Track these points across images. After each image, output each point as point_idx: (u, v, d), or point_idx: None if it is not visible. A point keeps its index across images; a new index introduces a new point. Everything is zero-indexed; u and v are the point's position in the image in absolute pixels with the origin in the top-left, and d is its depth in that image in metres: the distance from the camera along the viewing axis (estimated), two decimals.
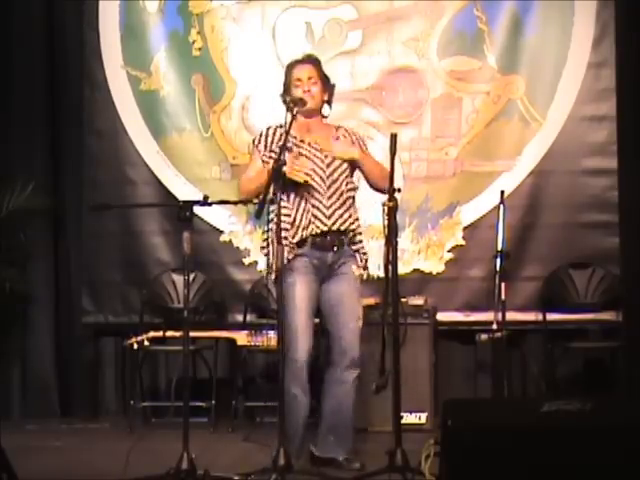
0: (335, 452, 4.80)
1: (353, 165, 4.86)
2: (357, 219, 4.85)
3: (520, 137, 6.56)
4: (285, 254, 4.59)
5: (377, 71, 6.69)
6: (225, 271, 6.73)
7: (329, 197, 4.77)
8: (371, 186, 4.90)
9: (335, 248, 4.77)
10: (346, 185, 4.82)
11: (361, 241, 4.86)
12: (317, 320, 4.92)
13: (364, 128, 6.54)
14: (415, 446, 4.36)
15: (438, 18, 6.64)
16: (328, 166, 4.80)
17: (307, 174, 4.72)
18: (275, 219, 4.57)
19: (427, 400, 5.94)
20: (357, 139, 4.95)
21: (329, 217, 4.75)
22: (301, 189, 4.73)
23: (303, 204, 4.75)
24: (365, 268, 4.84)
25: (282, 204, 4.58)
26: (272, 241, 4.65)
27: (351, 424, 4.83)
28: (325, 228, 4.74)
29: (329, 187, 4.78)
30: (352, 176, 4.88)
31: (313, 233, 4.74)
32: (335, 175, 4.80)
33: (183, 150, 6.80)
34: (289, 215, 4.71)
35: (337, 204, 4.77)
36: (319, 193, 4.76)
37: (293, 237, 4.73)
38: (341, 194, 4.79)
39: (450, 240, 6.58)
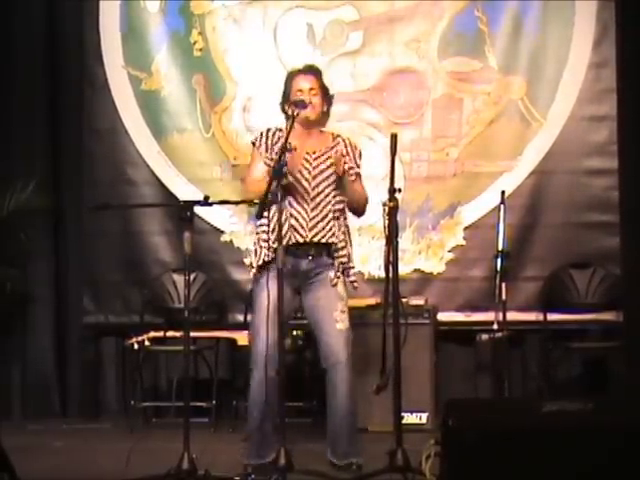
0: (336, 457, 4.76)
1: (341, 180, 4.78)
2: (345, 231, 4.79)
3: (521, 137, 6.56)
4: (262, 256, 4.68)
5: (378, 72, 6.69)
6: (226, 271, 6.74)
7: (312, 209, 4.74)
8: (348, 207, 4.83)
9: (310, 257, 4.74)
10: (333, 197, 4.76)
11: (344, 253, 4.76)
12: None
13: (365, 129, 6.56)
14: (416, 446, 4.36)
15: (439, 19, 6.64)
16: (315, 178, 4.76)
17: (291, 183, 4.71)
18: (269, 224, 4.61)
19: (428, 400, 5.94)
20: (353, 152, 4.84)
21: (310, 229, 4.72)
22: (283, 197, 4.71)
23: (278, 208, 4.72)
24: (347, 277, 4.77)
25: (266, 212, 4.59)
26: (256, 242, 4.77)
27: (346, 426, 4.74)
28: (301, 239, 4.71)
29: (313, 199, 4.74)
30: (340, 190, 4.79)
31: (289, 243, 4.66)
32: (321, 187, 4.76)
33: (184, 150, 6.81)
34: (269, 219, 4.66)
35: (320, 216, 4.73)
36: (300, 204, 4.73)
37: (273, 242, 4.64)
38: (326, 206, 4.74)
39: (451, 240, 6.59)
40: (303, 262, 4.74)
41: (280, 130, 4.81)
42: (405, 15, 6.70)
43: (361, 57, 6.71)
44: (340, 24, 6.74)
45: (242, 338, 5.99)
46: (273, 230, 4.64)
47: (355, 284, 4.85)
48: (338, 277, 4.75)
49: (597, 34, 6.50)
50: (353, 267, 4.83)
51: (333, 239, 4.75)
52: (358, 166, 4.84)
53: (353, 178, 4.78)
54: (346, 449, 4.74)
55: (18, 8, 6.86)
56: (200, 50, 6.81)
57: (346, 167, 4.68)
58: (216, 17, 6.82)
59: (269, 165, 4.74)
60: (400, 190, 4.57)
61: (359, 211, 4.88)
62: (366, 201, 4.84)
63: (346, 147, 4.85)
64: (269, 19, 6.78)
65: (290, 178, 4.65)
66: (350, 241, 4.85)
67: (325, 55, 6.61)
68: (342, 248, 4.77)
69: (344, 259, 4.77)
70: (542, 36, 6.55)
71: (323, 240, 4.73)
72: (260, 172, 4.79)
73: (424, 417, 5.92)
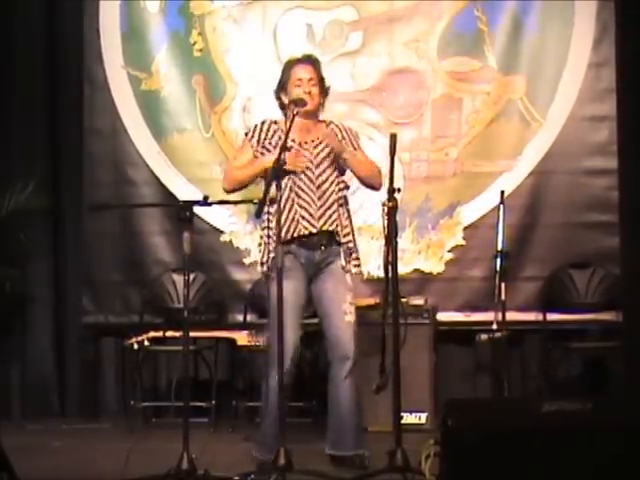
0: (342, 449, 4.78)
1: (341, 164, 4.81)
2: (348, 217, 4.85)
3: (520, 137, 6.56)
4: (271, 252, 4.67)
5: (378, 72, 6.70)
6: (225, 271, 6.74)
7: (319, 197, 4.77)
8: (362, 183, 4.89)
9: (322, 247, 4.77)
10: (336, 185, 4.81)
11: (350, 239, 4.82)
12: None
13: (364, 129, 6.55)
14: (415, 446, 4.35)
15: (438, 19, 6.64)
16: (317, 167, 4.79)
17: (296, 175, 4.73)
18: (270, 218, 4.63)
19: (427, 400, 5.94)
20: (349, 134, 4.90)
21: (319, 218, 4.75)
22: (289, 189, 4.71)
23: (289, 204, 4.72)
24: (352, 262, 4.80)
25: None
26: (262, 237, 4.77)
27: (352, 419, 4.77)
28: (314, 230, 4.75)
29: (318, 187, 4.77)
30: (343, 175, 4.87)
31: (300, 234, 4.72)
32: (324, 176, 4.79)
33: (184, 150, 6.81)
34: (274, 216, 4.64)
35: (327, 205, 4.77)
36: (307, 194, 4.76)
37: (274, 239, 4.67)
38: (331, 194, 4.78)
39: (450, 240, 6.59)
40: (316, 253, 4.78)
41: (275, 122, 4.84)
42: (404, 15, 6.70)
43: (360, 57, 6.71)
44: (340, 24, 6.74)
45: (242, 338, 5.99)
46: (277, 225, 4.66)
47: (358, 269, 4.85)
48: (349, 262, 4.78)
49: (597, 34, 6.50)
50: (357, 255, 4.85)
51: (342, 225, 4.79)
52: (355, 146, 4.86)
53: (354, 150, 4.80)
54: (353, 441, 4.76)
55: (18, 8, 6.87)
56: (200, 50, 6.81)
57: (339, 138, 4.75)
58: (216, 17, 6.82)
59: (257, 157, 4.74)
60: (399, 190, 4.58)
61: (374, 183, 4.85)
62: (379, 172, 4.84)
63: (341, 132, 4.90)
64: (269, 19, 6.78)
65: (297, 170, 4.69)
66: (353, 228, 4.88)
67: (325, 55, 6.60)
68: (347, 234, 4.82)
69: (350, 244, 4.82)
70: (542, 36, 6.55)
71: (331, 228, 4.77)
72: (245, 159, 4.84)
73: (423, 417, 5.92)
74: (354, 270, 4.84)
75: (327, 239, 4.77)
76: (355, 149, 4.87)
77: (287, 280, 4.50)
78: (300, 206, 4.74)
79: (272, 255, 4.69)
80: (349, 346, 4.72)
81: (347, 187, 4.90)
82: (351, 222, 4.88)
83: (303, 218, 4.74)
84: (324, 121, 4.93)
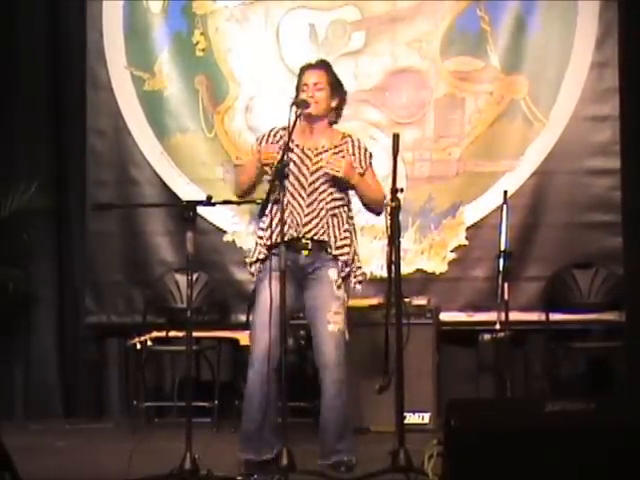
0: (320, 456, 4.70)
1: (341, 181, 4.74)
2: (347, 230, 4.76)
3: (523, 137, 6.56)
4: (257, 253, 4.73)
5: (380, 72, 6.70)
6: (228, 271, 6.74)
7: (308, 205, 4.72)
8: (364, 206, 4.85)
9: (308, 251, 4.72)
10: (329, 195, 4.74)
11: (345, 252, 4.73)
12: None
13: (367, 128, 6.56)
14: (418, 446, 4.36)
15: (441, 19, 6.64)
16: (312, 174, 4.74)
17: (289, 179, 4.68)
18: (266, 218, 4.65)
19: (430, 400, 5.94)
20: (360, 153, 4.81)
21: (304, 225, 4.70)
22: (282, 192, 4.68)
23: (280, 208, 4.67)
24: (356, 277, 4.76)
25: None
26: (256, 238, 4.81)
27: (331, 427, 4.66)
28: (295, 234, 4.69)
29: (309, 195, 4.73)
30: (341, 189, 4.77)
31: (285, 239, 4.58)
32: (317, 184, 4.74)
33: (187, 150, 6.81)
34: (267, 216, 4.70)
35: (314, 213, 4.71)
36: (296, 200, 4.72)
37: (267, 239, 4.71)
38: (320, 203, 4.72)
39: (453, 240, 6.58)
40: (301, 257, 4.72)
41: (284, 129, 4.80)
42: (407, 15, 6.70)
43: (363, 57, 6.71)
44: (342, 24, 6.74)
45: (244, 338, 5.98)
46: (268, 228, 4.66)
47: (358, 286, 4.81)
48: (342, 277, 4.73)
49: (600, 34, 6.50)
50: (360, 267, 4.80)
51: (325, 237, 4.71)
52: (364, 167, 4.80)
53: (362, 169, 4.77)
54: (333, 447, 4.67)
55: (21, 8, 6.87)
56: (202, 50, 6.81)
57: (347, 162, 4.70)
58: (218, 17, 6.82)
59: (264, 164, 4.74)
60: (402, 190, 4.58)
61: (376, 209, 4.83)
62: (381, 198, 4.79)
63: (353, 147, 4.82)
64: (271, 19, 6.79)
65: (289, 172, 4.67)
66: (353, 240, 4.80)
67: (327, 55, 6.53)
68: (343, 247, 4.74)
69: (345, 257, 4.74)
70: (544, 36, 6.55)
71: (316, 237, 4.71)
72: (248, 163, 4.87)
73: (426, 417, 5.92)
74: (358, 286, 4.80)
75: (315, 245, 4.71)
76: (363, 169, 4.79)
77: (274, 281, 4.51)
78: (290, 212, 4.70)
79: (261, 257, 4.74)
80: (329, 356, 4.64)
81: (342, 199, 4.78)
82: (351, 235, 4.79)
83: (291, 222, 4.70)
84: (342, 133, 4.87)
